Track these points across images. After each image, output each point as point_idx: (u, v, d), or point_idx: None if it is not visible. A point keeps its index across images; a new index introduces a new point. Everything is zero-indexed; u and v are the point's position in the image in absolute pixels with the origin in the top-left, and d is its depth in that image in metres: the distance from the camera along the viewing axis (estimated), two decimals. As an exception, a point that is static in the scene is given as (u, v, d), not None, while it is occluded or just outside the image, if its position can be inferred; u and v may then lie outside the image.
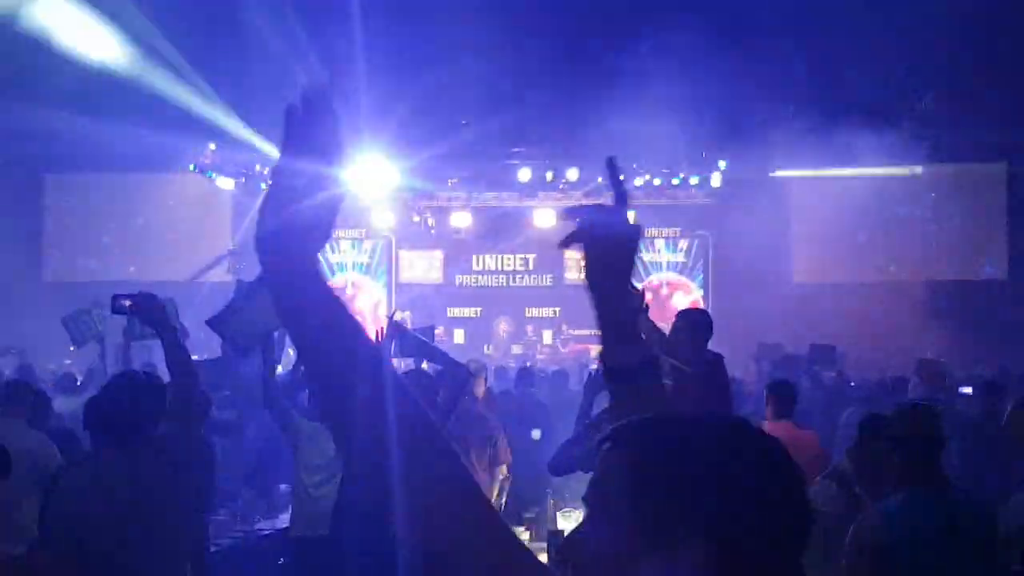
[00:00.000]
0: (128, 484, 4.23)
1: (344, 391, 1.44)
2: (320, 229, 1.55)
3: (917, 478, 4.33)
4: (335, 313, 1.49)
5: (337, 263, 21.89)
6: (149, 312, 4.79)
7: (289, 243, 1.51)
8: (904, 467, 4.38)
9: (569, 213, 1.95)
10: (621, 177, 2.01)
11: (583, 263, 1.95)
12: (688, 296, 21.02)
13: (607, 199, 2.03)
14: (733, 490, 1.34)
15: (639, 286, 6.10)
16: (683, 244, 21.47)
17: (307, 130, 1.56)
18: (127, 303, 4.89)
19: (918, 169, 19.90)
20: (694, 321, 6.32)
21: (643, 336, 5.76)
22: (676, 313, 6.58)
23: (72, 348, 9.74)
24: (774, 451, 1.42)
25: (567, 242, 1.94)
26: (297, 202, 1.51)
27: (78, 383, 9.94)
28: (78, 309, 9.64)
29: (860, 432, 5.12)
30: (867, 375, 13.02)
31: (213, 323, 6.43)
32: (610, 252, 1.96)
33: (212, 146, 19.19)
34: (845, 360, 14.80)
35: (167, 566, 4.40)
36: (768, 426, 6.90)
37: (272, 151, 19.79)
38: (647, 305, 5.93)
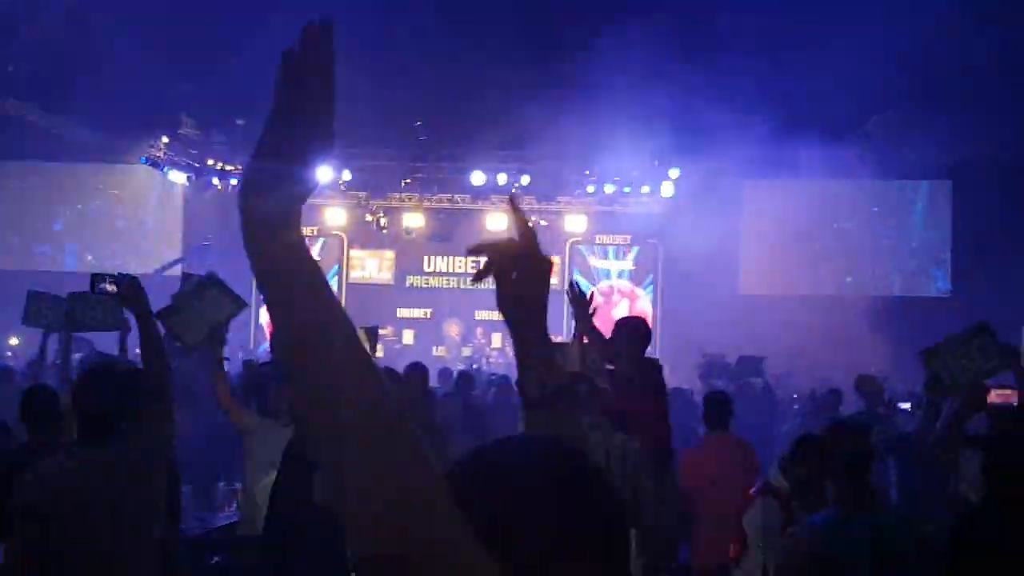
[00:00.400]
0: (107, 476, 4.15)
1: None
2: (304, 184, 1.51)
3: (846, 495, 4.41)
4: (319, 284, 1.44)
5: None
6: (134, 297, 4.53)
7: (276, 194, 1.46)
8: (834, 483, 4.47)
9: (478, 250, 1.98)
10: (527, 221, 2.04)
11: (496, 296, 1.98)
12: (636, 303, 21.14)
13: (525, 227, 2.05)
14: (532, 509, 1.38)
15: (589, 291, 6.27)
16: (632, 252, 21.57)
17: (302, 80, 1.51)
18: (110, 286, 4.65)
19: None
20: (632, 328, 6.49)
21: (586, 341, 5.91)
22: (615, 321, 6.68)
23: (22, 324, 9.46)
24: (581, 470, 1.45)
25: (479, 277, 1.97)
26: (283, 163, 1.48)
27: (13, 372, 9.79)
28: (48, 293, 9.44)
29: (794, 449, 5.20)
30: (805, 388, 13.17)
31: (162, 315, 6.34)
32: (522, 285, 1.99)
33: (164, 140, 19.06)
34: (791, 372, 15.03)
35: (139, 562, 4.31)
36: (705, 437, 7.00)
37: (221, 148, 19.74)
38: (594, 309, 6.05)
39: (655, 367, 6.43)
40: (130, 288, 4.56)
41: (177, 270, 18.83)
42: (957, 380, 5.64)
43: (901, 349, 16.99)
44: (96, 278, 4.76)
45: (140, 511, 4.26)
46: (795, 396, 12.22)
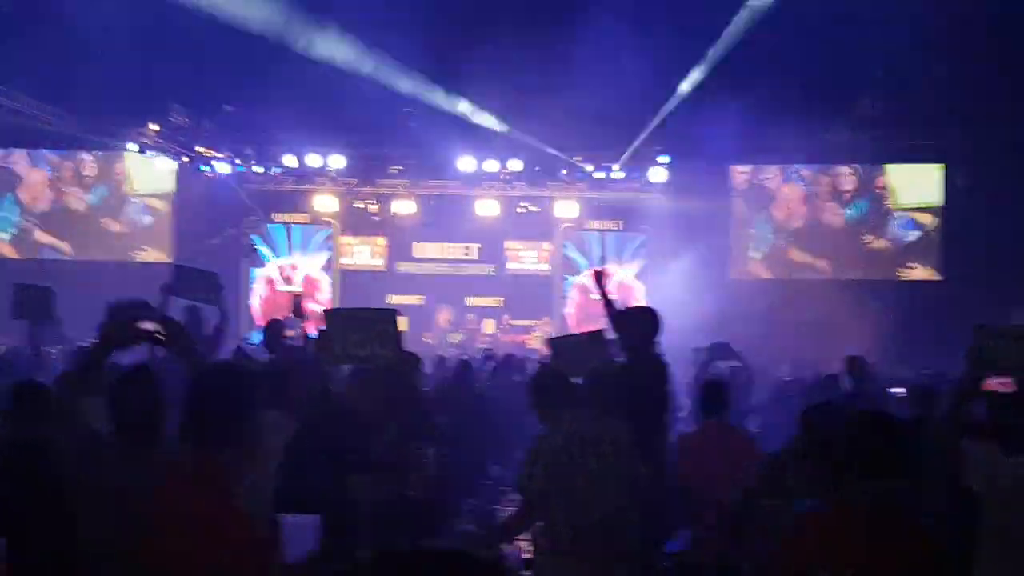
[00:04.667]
0: None
1: None
2: None
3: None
4: None
5: (278, 248, 21.82)
6: (176, 340, 4.33)
7: None
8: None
9: None
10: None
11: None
12: (626, 289, 21.08)
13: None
14: None
15: (601, 268, 6.60)
16: (624, 238, 21.55)
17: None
18: (152, 331, 4.29)
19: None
20: (641, 319, 6.60)
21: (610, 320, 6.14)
22: (627, 310, 6.82)
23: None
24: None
25: None
26: None
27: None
28: (34, 284, 9.48)
29: (807, 430, 5.17)
30: (802, 373, 13.19)
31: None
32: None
33: (153, 127, 18.96)
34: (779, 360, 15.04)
35: None
36: (697, 425, 7.00)
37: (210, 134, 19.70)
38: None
39: (659, 360, 6.52)
40: (174, 333, 4.38)
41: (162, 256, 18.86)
42: (998, 360, 5.65)
43: (893, 333, 17.10)
44: (129, 325, 4.40)
45: None
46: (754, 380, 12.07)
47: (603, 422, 5.44)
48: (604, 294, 7.00)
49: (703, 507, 6.24)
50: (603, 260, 20.38)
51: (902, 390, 10.12)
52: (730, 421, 6.95)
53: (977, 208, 18.72)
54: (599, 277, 7.03)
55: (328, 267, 21.97)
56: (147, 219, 21.56)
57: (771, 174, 21.08)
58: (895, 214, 20.77)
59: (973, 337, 5.71)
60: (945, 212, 20.39)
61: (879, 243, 20.85)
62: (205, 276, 9.39)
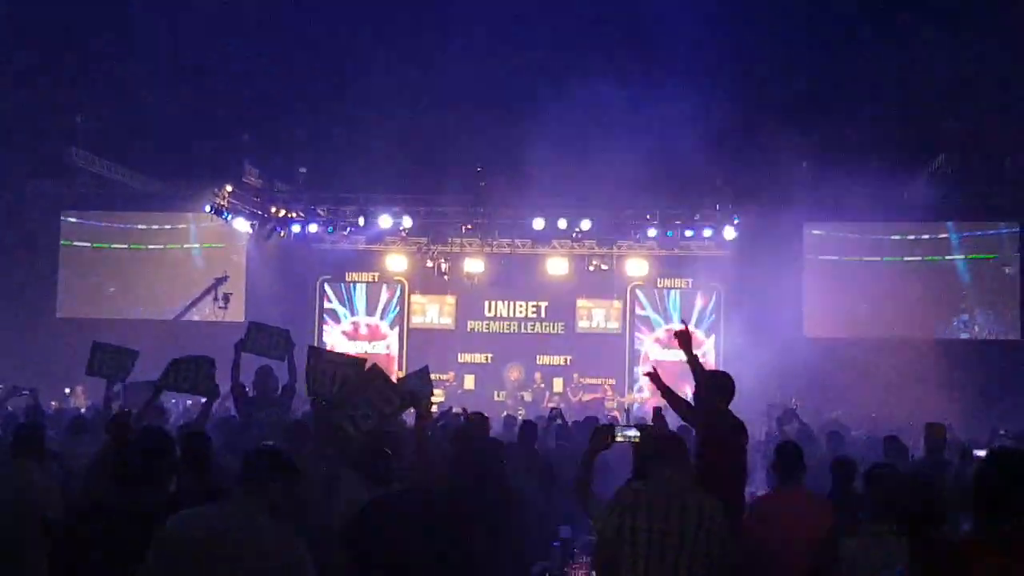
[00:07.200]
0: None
1: None
2: None
3: (916, 550, 4.35)
4: None
5: (351, 306, 22.00)
6: None
7: None
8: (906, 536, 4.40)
9: None
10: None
11: None
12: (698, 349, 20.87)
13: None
14: None
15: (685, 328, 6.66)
16: (696, 296, 21.40)
17: None
18: None
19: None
20: (721, 384, 6.60)
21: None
22: (705, 373, 6.83)
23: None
24: None
25: None
26: None
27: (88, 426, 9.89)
28: (115, 345, 9.72)
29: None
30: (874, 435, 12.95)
31: None
32: None
33: (228, 188, 19.28)
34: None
35: None
36: (776, 489, 6.86)
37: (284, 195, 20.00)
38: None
39: (739, 425, 6.47)
40: None
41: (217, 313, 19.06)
42: None
43: (970, 395, 16.72)
44: None
45: None
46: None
47: (695, 493, 5.33)
48: (690, 354, 7.02)
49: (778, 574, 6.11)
50: (682, 319, 20.29)
51: (983, 453, 9.83)
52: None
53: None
54: (683, 338, 6.99)
55: (398, 326, 22.08)
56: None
57: (844, 229, 20.81)
58: (975, 270, 20.42)
59: None
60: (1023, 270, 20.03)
61: (955, 299, 20.50)
62: (277, 333, 9.61)
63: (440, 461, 6.80)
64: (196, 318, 21.23)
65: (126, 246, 22.10)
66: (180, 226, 21.93)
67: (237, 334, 9.43)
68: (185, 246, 22.01)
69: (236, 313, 20.92)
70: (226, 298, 20.71)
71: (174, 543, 4.11)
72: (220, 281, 20.93)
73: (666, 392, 7.04)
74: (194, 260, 22.00)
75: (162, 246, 22.04)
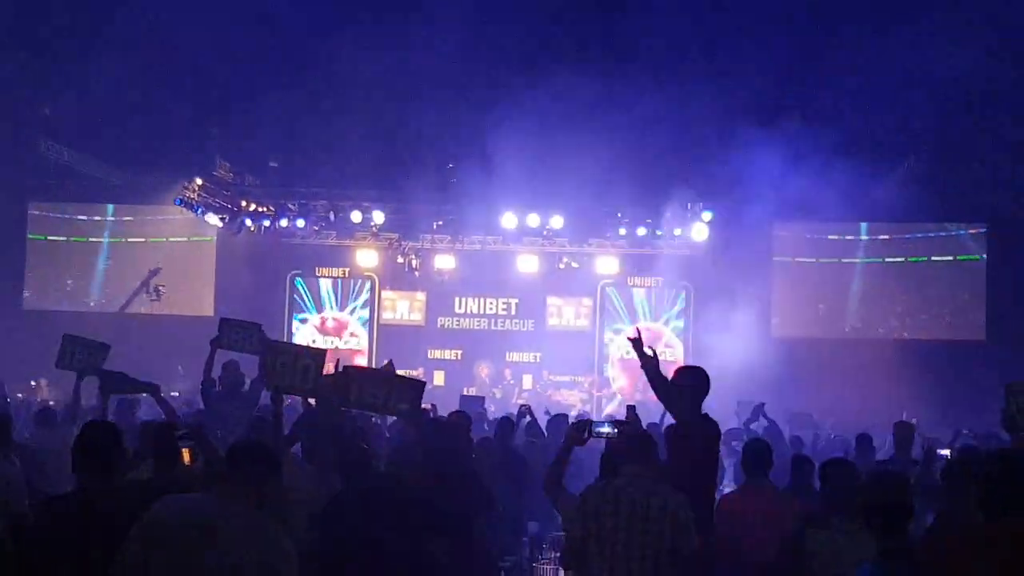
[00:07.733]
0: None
1: None
2: None
3: (885, 547, 4.39)
4: None
5: (320, 301, 21.94)
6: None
7: None
8: (875, 532, 4.45)
9: None
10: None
11: None
12: (664, 346, 20.93)
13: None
14: None
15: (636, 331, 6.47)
16: (665, 294, 21.47)
17: None
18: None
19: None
20: (694, 380, 6.46)
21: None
22: (677, 370, 6.70)
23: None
24: None
25: None
26: None
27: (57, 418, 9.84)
28: (87, 339, 9.70)
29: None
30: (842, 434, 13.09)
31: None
32: None
33: (198, 182, 19.16)
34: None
35: None
36: (743, 485, 6.92)
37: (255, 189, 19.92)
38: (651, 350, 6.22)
39: (712, 424, 6.44)
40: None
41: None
42: None
43: (934, 394, 16.88)
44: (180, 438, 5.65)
45: None
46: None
47: (661, 489, 5.38)
48: (643, 355, 6.67)
49: (744, 571, 6.16)
50: (645, 316, 20.37)
51: (947, 452, 9.96)
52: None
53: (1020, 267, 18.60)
54: (635, 342, 6.71)
55: (368, 321, 22.04)
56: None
57: (814, 230, 20.98)
58: (939, 271, 20.62)
59: (1005, 396, 5.69)
60: (989, 270, 20.22)
61: (922, 300, 20.70)
62: (249, 328, 9.63)
63: (414, 454, 6.84)
64: (143, 311, 21.21)
65: (95, 239, 21.99)
66: (148, 218, 21.80)
67: (171, 326, 9.42)
68: (152, 240, 21.88)
69: (206, 308, 20.84)
70: (157, 291, 20.86)
71: (161, 527, 4.17)
72: (153, 273, 21.04)
73: (646, 362, 6.67)
74: (163, 253, 21.86)
75: (131, 239, 21.93)
